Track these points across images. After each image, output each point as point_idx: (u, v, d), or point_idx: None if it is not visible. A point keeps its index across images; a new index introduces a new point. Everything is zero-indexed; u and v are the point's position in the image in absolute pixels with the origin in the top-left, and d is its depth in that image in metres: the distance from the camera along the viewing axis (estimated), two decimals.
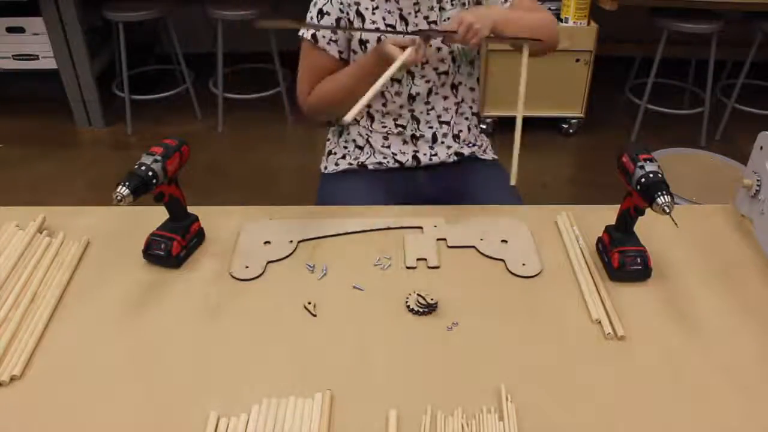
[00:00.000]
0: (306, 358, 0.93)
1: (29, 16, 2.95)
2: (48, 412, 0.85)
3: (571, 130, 3.20)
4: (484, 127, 3.10)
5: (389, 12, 1.34)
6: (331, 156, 1.55)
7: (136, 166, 1.01)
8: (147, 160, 1.03)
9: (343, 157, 1.52)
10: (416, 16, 1.35)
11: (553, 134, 3.22)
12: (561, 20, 2.92)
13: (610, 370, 0.92)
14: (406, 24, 1.35)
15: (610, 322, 0.99)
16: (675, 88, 3.54)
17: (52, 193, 2.78)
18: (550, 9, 2.87)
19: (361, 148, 1.49)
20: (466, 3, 1.36)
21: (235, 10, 3.01)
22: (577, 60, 2.98)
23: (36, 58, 3.06)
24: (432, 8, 1.35)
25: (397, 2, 1.34)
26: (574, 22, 2.90)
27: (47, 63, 3.07)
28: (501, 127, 3.16)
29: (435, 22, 1.35)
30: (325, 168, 1.56)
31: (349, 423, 0.84)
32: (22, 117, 3.34)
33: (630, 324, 0.99)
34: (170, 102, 3.37)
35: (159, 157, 1.03)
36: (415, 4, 1.34)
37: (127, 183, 0.98)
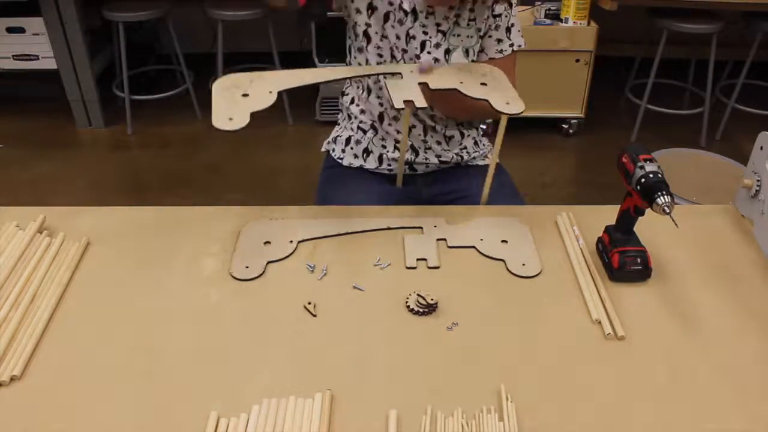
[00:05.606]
0: (306, 358, 0.93)
1: (29, 17, 2.95)
2: (48, 413, 0.85)
3: (571, 131, 3.20)
4: (484, 127, 3.10)
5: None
6: (339, 138, 1.55)
7: None
8: None
9: (348, 142, 1.52)
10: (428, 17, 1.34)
11: (553, 134, 3.22)
12: (561, 20, 2.92)
13: (610, 370, 0.92)
14: (415, 18, 1.34)
15: (610, 323, 0.99)
16: (675, 88, 3.54)
17: (52, 193, 2.78)
18: (550, 9, 2.92)
19: (364, 131, 1.49)
20: (482, 28, 1.35)
21: (235, 10, 3.02)
22: (577, 60, 2.98)
23: (36, 58, 3.06)
24: (447, 18, 1.33)
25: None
26: (574, 22, 2.90)
27: (47, 63, 3.07)
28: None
29: (444, 33, 1.34)
30: (333, 150, 1.56)
31: (349, 423, 0.84)
32: (22, 117, 3.34)
33: (630, 324, 0.99)
34: (170, 102, 3.37)
35: None
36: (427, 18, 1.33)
37: None
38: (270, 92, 1.11)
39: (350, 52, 1.46)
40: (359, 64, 1.43)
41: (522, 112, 1.14)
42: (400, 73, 1.22)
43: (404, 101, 1.13)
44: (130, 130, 3.25)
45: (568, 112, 3.15)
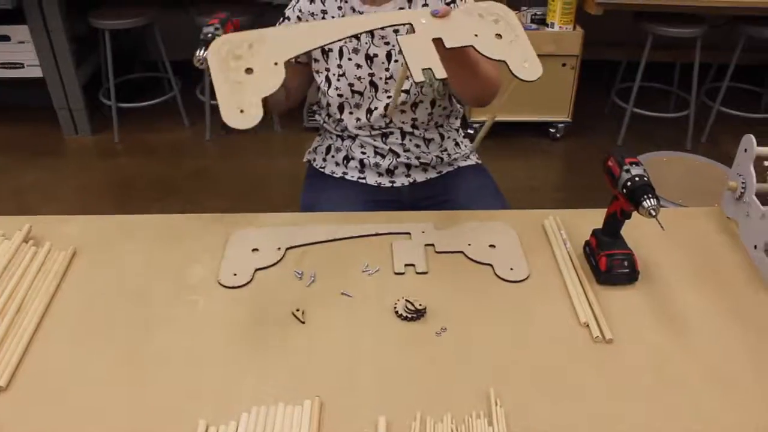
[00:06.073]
0: (295, 366, 0.93)
1: (14, 24, 2.93)
2: (34, 424, 0.84)
3: (558, 135, 3.22)
4: (471, 132, 3.11)
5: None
6: (319, 148, 1.56)
7: (202, 35, 1.10)
8: (209, 29, 1.11)
9: (328, 150, 1.52)
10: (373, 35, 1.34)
11: (540, 138, 3.23)
12: (547, 25, 2.94)
13: (599, 373, 0.92)
14: (372, 36, 1.34)
15: (598, 326, 0.99)
16: (660, 92, 3.56)
17: (39, 202, 2.76)
18: (536, 14, 2.93)
19: (342, 139, 1.49)
20: None
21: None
22: (564, 64, 2.99)
23: (21, 66, 3.04)
24: (397, 31, 1.32)
25: (361, 14, 1.32)
26: (560, 27, 2.91)
27: (33, 71, 3.04)
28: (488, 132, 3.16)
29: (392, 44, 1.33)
30: (314, 160, 1.56)
31: (339, 430, 0.84)
32: (7, 125, 3.32)
33: (618, 327, 0.99)
34: (157, 109, 3.35)
35: (218, 26, 1.12)
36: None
37: (203, 48, 1.07)
38: (275, 64, 0.98)
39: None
40: (325, 106, 1.45)
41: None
42: (410, 24, 1.05)
43: (422, 70, 0.98)
44: (117, 137, 3.23)
45: (556, 116, 3.16)
